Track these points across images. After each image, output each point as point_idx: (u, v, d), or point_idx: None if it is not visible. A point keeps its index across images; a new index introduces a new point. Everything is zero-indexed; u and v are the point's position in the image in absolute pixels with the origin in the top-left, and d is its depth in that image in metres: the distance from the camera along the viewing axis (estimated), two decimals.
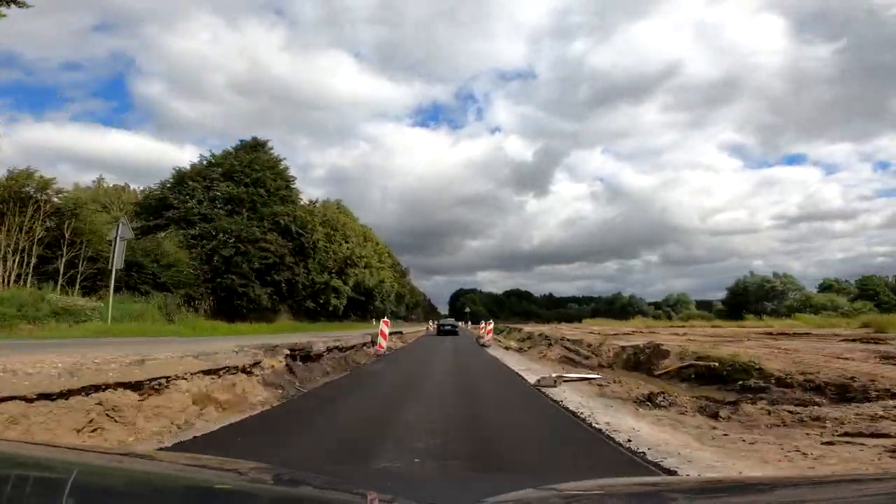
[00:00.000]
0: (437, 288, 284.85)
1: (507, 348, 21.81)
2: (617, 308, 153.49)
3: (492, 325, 23.68)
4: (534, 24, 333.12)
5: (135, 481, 1.10)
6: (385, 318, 16.93)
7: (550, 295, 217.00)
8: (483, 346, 22.33)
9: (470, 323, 68.61)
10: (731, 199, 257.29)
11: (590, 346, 19.46)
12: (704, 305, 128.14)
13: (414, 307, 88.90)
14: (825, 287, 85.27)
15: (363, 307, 50.00)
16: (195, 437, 4.63)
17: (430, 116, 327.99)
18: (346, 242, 46.30)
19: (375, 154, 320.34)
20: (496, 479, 2.63)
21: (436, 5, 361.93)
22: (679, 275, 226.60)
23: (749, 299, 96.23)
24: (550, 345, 18.49)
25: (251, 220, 26.33)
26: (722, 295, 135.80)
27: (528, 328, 47.13)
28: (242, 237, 25.27)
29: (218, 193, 26.59)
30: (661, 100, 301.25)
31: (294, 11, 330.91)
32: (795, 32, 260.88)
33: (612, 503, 1.22)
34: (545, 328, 43.34)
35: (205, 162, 29.05)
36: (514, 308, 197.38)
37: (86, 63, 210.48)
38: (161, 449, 3.94)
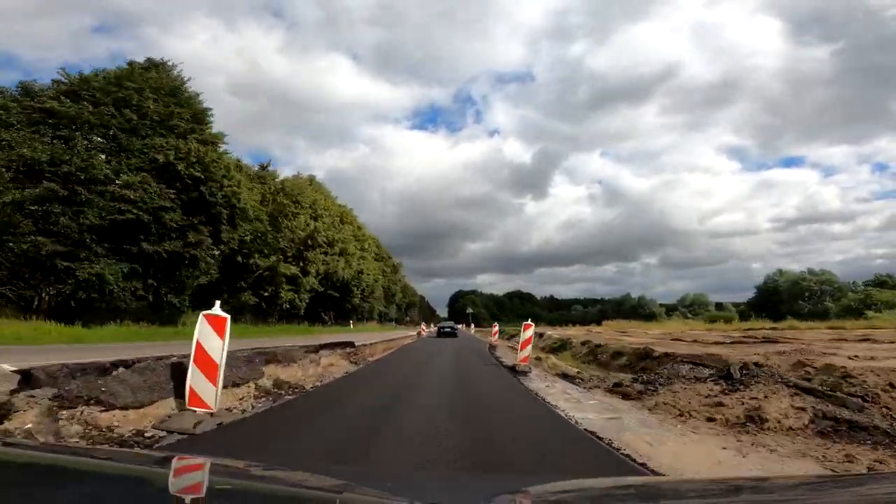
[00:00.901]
0: (436, 290, 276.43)
1: (565, 376, 9.98)
2: (626, 309, 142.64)
3: (531, 333, 11.52)
4: (532, 26, 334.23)
5: (133, 480, 1.06)
6: (215, 311, 4.91)
7: (552, 297, 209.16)
8: (516, 370, 10.48)
9: (473, 326, 56.31)
10: (730, 201, 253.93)
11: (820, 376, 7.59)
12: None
13: (408, 308, 76.71)
14: (878, 283, 73.41)
15: (338, 305, 37.85)
16: None
17: (428, 118, 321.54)
18: (314, 220, 34.43)
19: (374, 156, 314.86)
20: (497, 479, 2.53)
21: (434, 7, 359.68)
22: (678, 277, 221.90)
23: (782, 298, 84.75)
24: (750, 380, 6.51)
25: (92, 152, 14.54)
26: (722, 296, 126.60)
27: (551, 332, 35.10)
28: (64, 174, 13.49)
29: (42, 114, 14.78)
30: (660, 102, 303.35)
31: (292, 13, 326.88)
32: (793, 34, 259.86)
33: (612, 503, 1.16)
34: (577, 332, 30.97)
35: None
36: (517, 310, 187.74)
37: (85, 65, 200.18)
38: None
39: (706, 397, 5.84)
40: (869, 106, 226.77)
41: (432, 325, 53.03)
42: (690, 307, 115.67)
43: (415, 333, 32.55)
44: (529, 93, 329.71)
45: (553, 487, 1.26)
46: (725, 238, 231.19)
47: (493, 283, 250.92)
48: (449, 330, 37.95)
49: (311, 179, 42.54)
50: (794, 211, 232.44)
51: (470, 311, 65.63)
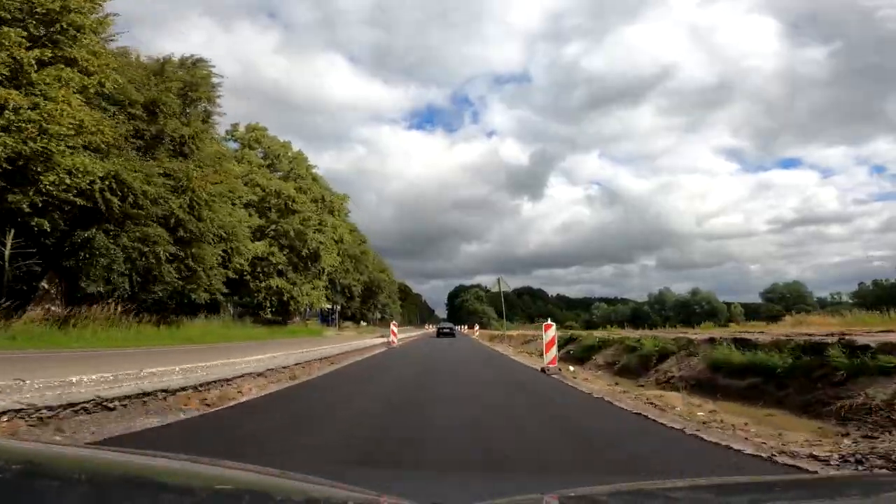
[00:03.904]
0: (435, 292, 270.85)
1: None
2: (673, 307, 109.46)
3: None
4: (528, 28, 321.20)
5: (131, 480, 1.01)
6: None
7: (558, 295, 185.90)
8: None
9: (515, 330, 21.01)
10: (727, 203, 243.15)
11: None
12: None
13: (371, 294, 42.18)
14: None
15: None
16: None
17: (425, 119, 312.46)
18: None
19: (371, 158, 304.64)
20: (499, 479, 2.38)
21: (430, 8, 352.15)
22: (677, 279, 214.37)
23: None
24: None
25: None
26: (724, 298, 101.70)
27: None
28: None
29: None
30: (656, 103, 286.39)
31: (288, 14, 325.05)
32: (789, 35, 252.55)
33: None
34: None
35: None
36: (527, 309, 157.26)
37: None
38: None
39: None
40: (866, 107, 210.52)
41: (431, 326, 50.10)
42: (781, 300, 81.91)
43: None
44: (526, 94, 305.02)
45: (557, 494, 1.20)
46: (723, 240, 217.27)
47: (492, 285, 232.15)
48: (447, 330, 36.85)
49: None
50: (791, 213, 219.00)
51: (504, 288, 25.69)
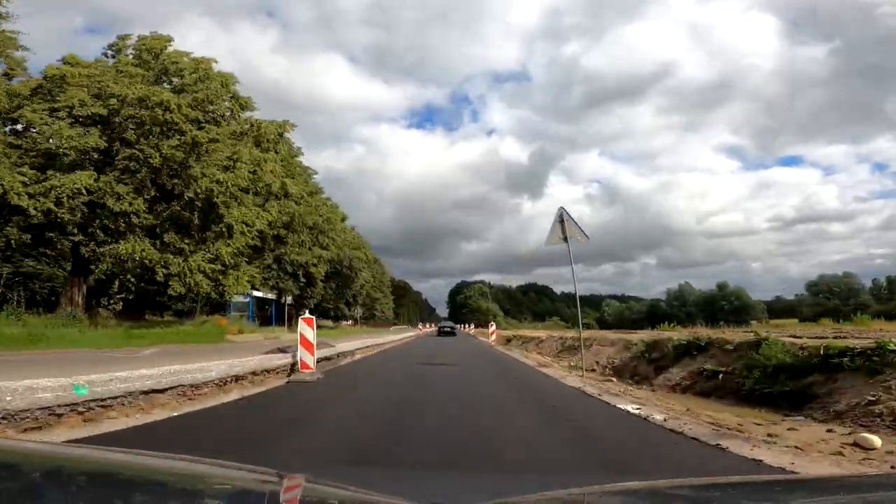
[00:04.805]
0: (435, 291, 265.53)
1: None
2: (697, 303, 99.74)
3: None
4: (527, 26, 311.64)
5: (126, 477, 1.00)
6: None
7: (563, 293, 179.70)
8: None
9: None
10: (728, 201, 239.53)
11: None
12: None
13: (344, 280, 31.91)
14: None
15: None
16: None
17: (424, 118, 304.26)
18: None
19: (370, 157, 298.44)
20: (498, 479, 2.42)
21: (429, 8, 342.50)
22: (677, 277, 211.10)
23: None
24: None
25: None
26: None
27: None
28: None
29: None
30: (656, 102, 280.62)
31: (286, 13, 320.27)
32: (789, 33, 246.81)
33: None
34: None
35: None
36: (533, 306, 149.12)
37: None
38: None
39: None
40: (867, 105, 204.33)
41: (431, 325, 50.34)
42: (829, 295, 71.14)
43: None
44: (525, 93, 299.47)
45: (559, 493, 1.18)
46: (723, 238, 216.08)
47: (493, 283, 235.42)
48: (448, 329, 36.64)
49: None
50: (792, 211, 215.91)
51: (579, 236, 7.00)
